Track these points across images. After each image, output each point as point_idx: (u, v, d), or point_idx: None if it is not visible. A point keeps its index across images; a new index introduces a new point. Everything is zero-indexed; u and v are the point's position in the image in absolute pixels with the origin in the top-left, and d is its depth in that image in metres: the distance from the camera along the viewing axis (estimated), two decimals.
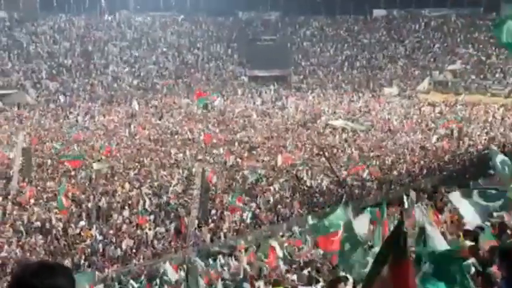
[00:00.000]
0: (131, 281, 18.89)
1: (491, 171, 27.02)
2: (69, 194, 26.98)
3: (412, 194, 23.49)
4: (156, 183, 29.63)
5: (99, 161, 33.47)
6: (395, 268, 4.62)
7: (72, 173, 31.50)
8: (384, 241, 5.59)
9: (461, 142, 38.12)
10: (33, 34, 68.26)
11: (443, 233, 13.71)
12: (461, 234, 12.44)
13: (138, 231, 24.09)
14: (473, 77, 61.78)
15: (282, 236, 22.18)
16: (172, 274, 17.11)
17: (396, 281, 4.62)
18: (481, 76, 61.60)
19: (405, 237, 4.97)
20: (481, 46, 67.45)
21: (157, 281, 17.54)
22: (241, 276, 14.92)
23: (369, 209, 17.48)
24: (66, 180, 29.32)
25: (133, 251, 23.11)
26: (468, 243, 9.81)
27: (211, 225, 25.16)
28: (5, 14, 69.32)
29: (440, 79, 62.30)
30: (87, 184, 29.80)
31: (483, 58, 64.95)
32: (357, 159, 34.59)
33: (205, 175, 26.38)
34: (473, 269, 7.86)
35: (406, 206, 22.43)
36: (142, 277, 19.78)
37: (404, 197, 23.51)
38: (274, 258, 16.30)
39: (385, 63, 70.06)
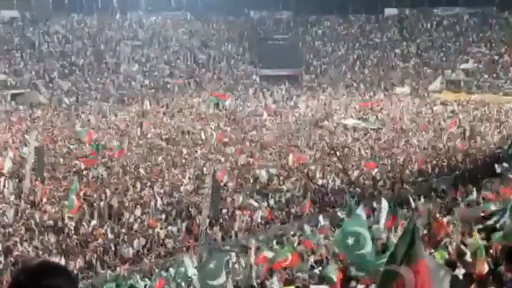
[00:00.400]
0: (139, 280, 18.88)
1: (499, 171, 27.07)
2: (81, 193, 27.05)
3: (410, 198, 23.60)
4: (167, 182, 29.67)
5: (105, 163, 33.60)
6: (415, 267, 4.63)
7: (84, 172, 31.62)
8: (397, 242, 5.59)
9: (473, 141, 37.97)
10: (45, 33, 68.60)
11: (453, 232, 13.68)
12: (474, 233, 12.41)
13: (150, 230, 24.13)
14: (485, 76, 61.56)
15: (294, 235, 22.13)
16: (190, 267, 16.97)
17: (418, 278, 4.63)
18: (494, 75, 61.36)
19: (418, 236, 4.96)
20: (493, 45, 67.18)
21: (172, 274, 17.50)
22: (249, 273, 14.92)
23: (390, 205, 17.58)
24: (77, 179, 29.38)
25: (145, 250, 23.15)
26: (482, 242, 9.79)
27: (223, 224, 25.17)
28: (18, 14, 69.74)
29: (452, 78, 62.10)
30: (98, 183, 29.87)
31: (496, 57, 64.67)
32: (368, 158, 34.48)
33: (216, 174, 26.38)
34: (486, 268, 7.86)
35: (413, 206, 22.45)
36: (154, 276, 19.76)
37: (410, 198, 23.53)
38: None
39: (397, 62, 69.85)
